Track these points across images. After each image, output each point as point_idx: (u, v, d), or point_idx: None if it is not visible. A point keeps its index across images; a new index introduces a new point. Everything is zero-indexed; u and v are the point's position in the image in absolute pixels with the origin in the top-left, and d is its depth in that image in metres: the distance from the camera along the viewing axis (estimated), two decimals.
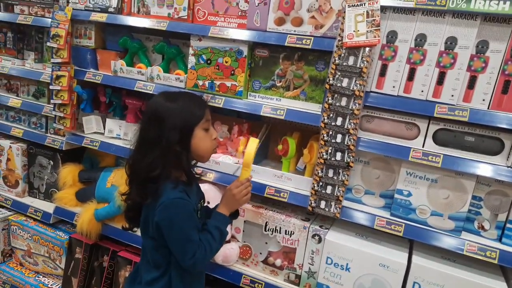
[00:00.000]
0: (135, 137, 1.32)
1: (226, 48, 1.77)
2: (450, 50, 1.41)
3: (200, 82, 1.84)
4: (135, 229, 1.45)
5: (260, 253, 1.79)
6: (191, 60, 1.85)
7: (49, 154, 2.28)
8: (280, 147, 1.77)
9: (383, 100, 1.51)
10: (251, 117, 1.92)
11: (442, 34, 1.41)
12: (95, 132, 2.18)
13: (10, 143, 2.34)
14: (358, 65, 1.46)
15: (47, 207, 2.25)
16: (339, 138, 1.53)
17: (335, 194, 1.58)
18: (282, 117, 1.66)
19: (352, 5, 1.46)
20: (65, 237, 2.16)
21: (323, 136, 1.55)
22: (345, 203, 1.63)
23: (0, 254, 2.37)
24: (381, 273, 1.53)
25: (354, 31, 1.46)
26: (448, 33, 1.40)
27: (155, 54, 2.06)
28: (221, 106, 1.77)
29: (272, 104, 1.73)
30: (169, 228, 1.25)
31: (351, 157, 1.53)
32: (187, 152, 1.27)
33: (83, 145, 2.12)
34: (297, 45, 1.60)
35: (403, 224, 1.53)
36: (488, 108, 1.41)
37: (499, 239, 1.48)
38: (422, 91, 1.46)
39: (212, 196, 1.77)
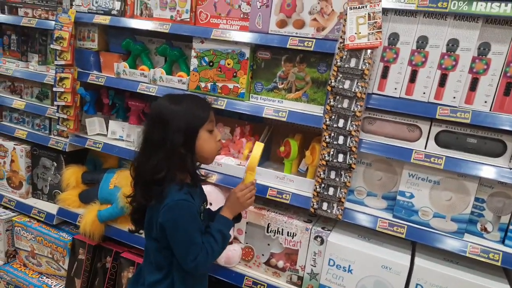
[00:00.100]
0: (139, 139, 1.33)
1: (228, 50, 1.78)
2: (452, 52, 1.41)
3: (203, 84, 1.85)
4: (141, 231, 1.45)
5: (263, 255, 1.79)
6: (194, 62, 1.85)
7: (53, 156, 2.30)
8: (282, 148, 1.77)
9: (385, 102, 1.51)
10: (253, 119, 1.93)
11: (443, 36, 1.41)
12: (98, 134, 2.20)
13: (14, 144, 2.36)
14: (360, 67, 1.46)
15: (51, 208, 2.26)
16: (341, 140, 1.53)
17: (337, 196, 1.58)
18: (284, 119, 1.66)
19: (353, 7, 1.46)
20: (68, 238, 2.17)
21: (325, 138, 1.56)
22: (347, 204, 1.63)
23: (4, 255, 2.38)
24: (384, 275, 1.53)
25: (355, 33, 1.46)
26: (449, 35, 1.40)
27: (157, 56, 2.07)
28: (223, 108, 1.78)
29: (274, 106, 1.74)
30: (172, 229, 1.25)
31: (353, 159, 1.53)
32: (191, 154, 1.28)
33: (86, 146, 2.13)
34: (299, 47, 1.60)
35: (406, 226, 1.52)
36: (490, 110, 1.41)
37: (502, 241, 1.48)
38: (424, 93, 1.46)
39: (214, 197, 1.78)
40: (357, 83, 1.48)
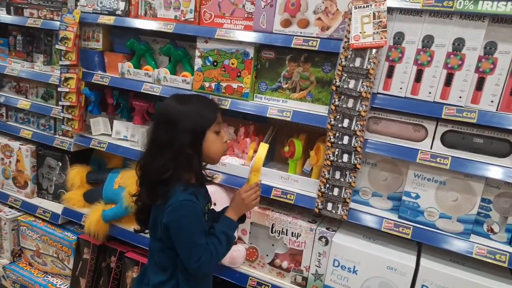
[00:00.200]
0: (146, 139, 1.33)
1: (232, 50, 1.78)
2: (458, 52, 1.40)
3: (207, 84, 1.85)
4: (146, 231, 1.45)
5: (267, 255, 1.79)
6: (198, 62, 1.85)
7: (58, 156, 2.31)
8: (286, 149, 1.77)
9: (390, 102, 1.50)
10: (257, 119, 1.93)
11: (449, 36, 1.40)
12: (102, 134, 2.20)
13: (20, 144, 2.38)
14: (364, 67, 1.46)
15: (56, 208, 2.27)
16: (346, 139, 1.52)
17: (342, 196, 1.57)
18: (289, 119, 1.66)
19: (358, 6, 1.45)
20: (73, 237, 2.18)
21: (330, 138, 1.55)
22: (352, 205, 1.62)
23: (10, 254, 2.40)
24: (389, 276, 1.52)
25: (360, 32, 1.45)
26: (455, 34, 1.39)
27: (162, 56, 2.08)
28: (227, 108, 1.78)
29: (278, 106, 1.73)
30: (177, 230, 1.25)
31: (358, 159, 1.52)
32: (198, 155, 1.28)
33: (90, 146, 2.13)
34: (304, 47, 1.60)
35: (411, 227, 1.51)
36: (496, 110, 1.40)
37: (509, 242, 1.46)
38: (430, 92, 1.45)
39: (218, 197, 1.78)
40: (362, 82, 1.47)
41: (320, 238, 1.66)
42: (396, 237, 1.58)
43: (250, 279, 1.76)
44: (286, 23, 1.65)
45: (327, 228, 1.68)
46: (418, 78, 1.46)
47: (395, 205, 1.61)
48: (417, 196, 1.54)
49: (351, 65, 1.47)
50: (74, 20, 2.02)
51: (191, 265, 1.26)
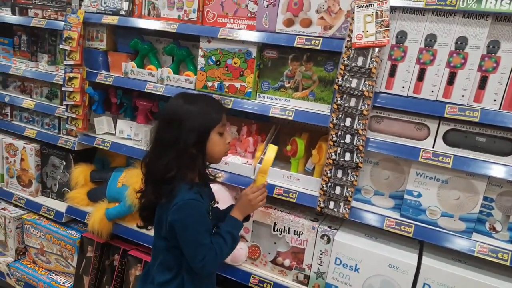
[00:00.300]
0: (150, 137, 1.34)
1: (235, 50, 1.79)
2: (461, 50, 1.40)
3: (210, 83, 1.86)
4: (149, 228, 1.46)
5: (269, 253, 1.80)
6: (201, 61, 1.86)
7: (62, 155, 2.32)
8: (288, 147, 1.77)
9: (393, 101, 1.50)
10: (260, 118, 1.93)
11: (452, 34, 1.40)
12: (106, 133, 2.22)
13: (24, 143, 2.39)
14: (367, 66, 1.46)
15: (60, 206, 2.29)
16: (348, 138, 1.53)
17: (344, 195, 1.57)
18: (291, 118, 1.66)
19: (361, 5, 1.46)
20: (77, 236, 2.20)
21: (332, 137, 1.55)
22: (354, 203, 1.62)
23: (14, 252, 2.42)
24: (391, 274, 1.53)
25: (363, 31, 1.46)
26: (458, 33, 1.39)
27: (165, 55, 2.09)
28: (230, 107, 1.79)
29: (281, 105, 1.74)
30: (182, 229, 1.26)
31: (360, 158, 1.52)
32: (202, 155, 1.29)
33: (94, 145, 2.15)
34: (306, 46, 1.60)
35: (413, 225, 1.52)
36: (499, 109, 1.39)
37: (511, 241, 1.46)
38: (432, 91, 1.45)
39: (221, 196, 1.79)
40: (364, 81, 1.47)
41: (322, 237, 1.66)
42: (398, 236, 1.58)
43: (252, 277, 1.77)
44: (289, 23, 1.66)
45: (329, 227, 1.69)
46: (421, 77, 1.46)
47: (397, 203, 1.62)
48: (419, 195, 1.54)
49: (353, 64, 1.48)
50: (78, 20, 2.04)
51: (196, 264, 1.27)
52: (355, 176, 1.55)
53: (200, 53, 1.86)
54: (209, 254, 1.26)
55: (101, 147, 2.13)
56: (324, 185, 1.60)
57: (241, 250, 1.79)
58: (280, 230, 1.74)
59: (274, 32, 1.69)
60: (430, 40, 1.43)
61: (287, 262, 1.76)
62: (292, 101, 1.76)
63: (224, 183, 1.83)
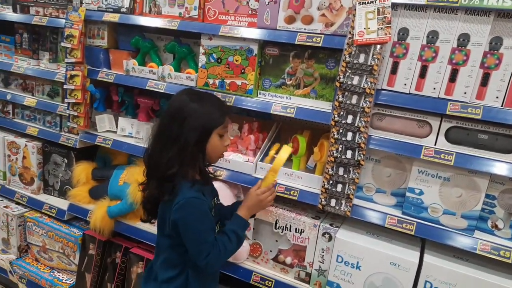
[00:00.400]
0: (153, 130, 1.34)
1: (236, 47, 1.78)
2: (463, 47, 1.39)
3: (211, 81, 1.85)
4: (153, 221, 1.47)
5: (271, 251, 1.80)
6: (202, 59, 1.86)
7: (64, 152, 2.33)
8: (290, 145, 1.77)
9: (395, 98, 1.50)
10: (261, 115, 1.93)
11: (454, 31, 1.39)
12: (107, 131, 2.22)
13: (26, 141, 2.40)
14: (369, 63, 1.45)
15: (62, 204, 2.30)
16: (349, 136, 1.52)
17: (345, 192, 1.57)
18: (292, 115, 1.66)
19: (362, 2, 1.45)
20: (79, 233, 2.20)
21: (334, 134, 1.55)
22: (356, 201, 1.62)
23: (16, 249, 2.43)
24: (392, 272, 1.53)
25: (364, 28, 1.45)
26: (460, 30, 1.38)
27: (166, 53, 2.09)
28: (231, 104, 1.78)
29: (282, 103, 1.74)
30: (184, 227, 1.26)
31: (362, 155, 1.52)
32: (202, 154, 1.29)
33: (96, 143, 2.15)
34: (308, 43, 1.60)
35: (415, 223, 1.51)
36: (502, 106, 1.39)
37: None
38: (434, 88, 1.45)
39: (222, 194, 1.78)
40: (366, 79, 1.47)
41: (323, 234, 1.66)
42: (400, 233, 1.58)
43: (254, 274, 1.77)
44: (290, 20, 1.65)
45: (331, 224, 1.69)
46: (423, 74, 1.46)
47: (399, 201, 1.61)
48: (421, 192, 1.53)
49: (355, 61, 1.47)
50: (79, 17, 2.03)
51: (200, 261, 1.27)
52: (356, 173, 1.55)
53: (201, 50, 1.86)
54: (213, 252, 1.27)
55: (102, 145, 2.13)
56: (326, 183, 1.60)
57: (242, 247, 1.78)
58: (282, 227, 1.74)
59: (275, 29, 1.69)
60: (432, 37, 1.43)
61: (288, 260, 1.76)
62: (294, 99, 1.76)
63: (225, 180, 1.83)
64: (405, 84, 1.49)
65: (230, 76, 1.81)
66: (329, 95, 1.69)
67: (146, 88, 1.96)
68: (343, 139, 1.53)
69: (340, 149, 1.55)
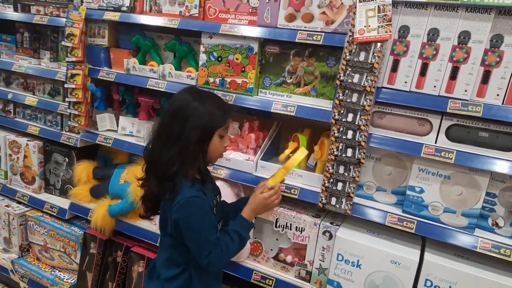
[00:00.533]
0: (153, 127, 1.34)
1: (236, 45, 1.78)
2: (464, 45, 1.39)
3: (211, 79, 1.86)
4: (152, 217, 1.46)
5: (271, 250, 1.80)
6: (202, 57, 1.86)
7: (65, 151, 2.33)
8: (290, 143, 1.77)
9: (395, 96, 1.50)
10: (262, 114, 1.93)
11: (455, 29, 1.39)
12: (108, 130, 2.22)
13: (27, 140, 2.41)
14: (369, 61, 1.45)
15: (63, 203, 2.30)
16: (350, 134, 1.52)
17: (346, 191, 1.57)
18: (293, 114, 1.66)
19: (363, 0, 1.45)
20: (80, 232, 2.21)
21: (334, 133, 1.55)
22: (356, 199, 1.62)
23: (18, 248, 2.43)
24: (393, 270, 1.52)
25: (365, 26, 1.45)
26: (461, 27, 1.38)
27: (166, 52, 2.09)
28: (232, 103, 1.78)
29: (282, 101, 1.74)
30: (186, 226, 1.26)
31: (362, 154, 1.52)
32: (203, 154, 1.29)
33: (97, 142, 2.15)
34: (308, 41, 1.60)
35: (415, 221, 1.51)
36: (502, 103, 1.38)
37: None
38: (435, 86, 1.45)
39: (223, 193, 1.77)
40: (366, 77, 1.46)
41: (324, 233, 1.66)
42: (400, 232, 1.58)
43: (255, 273, 1.77)
44: (291, 18, 1.65)
45: (331, 223, 1.69)
46: (423, 72, 1.45)
47: (399, 199, 1.61)
48: (422, 191, 1.53)
49: (355, 59, 1.47)
50: (80, 16, 2.04)
51: (202, 260, 1.27)
52: (357, 172, 1.54)
53: (202, 49, 1.86)
54: (215, 251, 1.27)
55: (103, 144, 2.14)
56: (326, 181, 1.60)
57: None
58: (282, 226, 1.74)
59: (275, 28, 1.69)
60: (433, 34, 1.42)
61: (289, 258, 1.76)
62: (294, 97, 1.76)
63: (225, 179, 1.83)
64: (405, 82, 1.49)
65: (231, 75, 1.81)
66: (329, 93, 1.69)
67: (147, 87, 1.96)
68: (344, 137, 1.53)
69: (340, 147, 1.55)
